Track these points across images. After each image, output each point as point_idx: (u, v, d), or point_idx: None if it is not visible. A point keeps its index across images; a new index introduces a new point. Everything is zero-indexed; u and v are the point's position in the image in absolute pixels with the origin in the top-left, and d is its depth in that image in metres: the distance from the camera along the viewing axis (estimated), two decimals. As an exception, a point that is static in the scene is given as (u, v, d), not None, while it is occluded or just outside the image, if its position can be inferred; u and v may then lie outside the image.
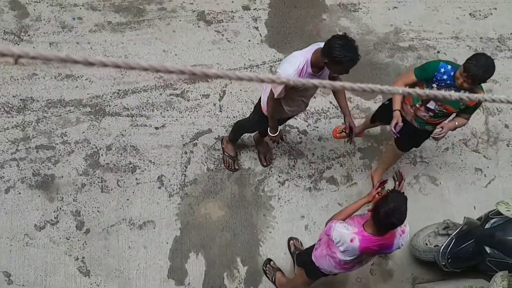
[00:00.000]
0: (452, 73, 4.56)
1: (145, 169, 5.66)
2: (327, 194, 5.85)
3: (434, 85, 4.66)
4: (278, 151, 5.97)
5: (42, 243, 5.26)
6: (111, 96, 5.93)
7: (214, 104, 6.07)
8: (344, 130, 5.82)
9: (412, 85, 4.78)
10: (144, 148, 5.74)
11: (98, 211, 5.43)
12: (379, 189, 4.33)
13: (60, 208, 5.40)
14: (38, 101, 5.80)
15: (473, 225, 5.23)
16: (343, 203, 5.78)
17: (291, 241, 5.52)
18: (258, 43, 6.51)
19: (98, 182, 5.54)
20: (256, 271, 5.44)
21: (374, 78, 6.53)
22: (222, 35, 6.48)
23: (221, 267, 5.42)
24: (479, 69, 4.32)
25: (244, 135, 5.72)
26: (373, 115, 5.68)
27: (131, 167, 5.64)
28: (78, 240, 5.31)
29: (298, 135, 6.08)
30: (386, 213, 3.81)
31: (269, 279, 5.38)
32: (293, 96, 4.65)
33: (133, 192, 5.55)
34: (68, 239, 5.30)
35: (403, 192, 4.01)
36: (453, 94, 1.51)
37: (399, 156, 5.62)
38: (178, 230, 5.48)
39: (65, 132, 5.70)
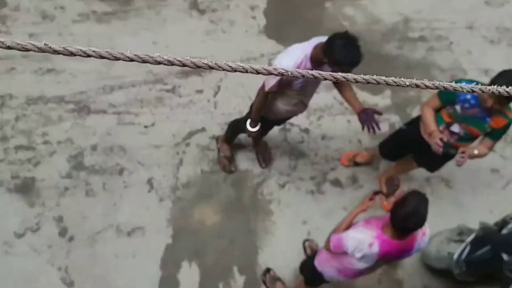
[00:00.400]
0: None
1: (134, 171, 5.66)
2: (331, 198, 5.86)
3: (457, 106, 4.64)
4: (277, 151, 5.97)
5: (22, 251, 5.26)
6: (96, 92, 5.93)
7: (208, 101, 6.07)
8: (354, 158, 5.86)
9: (437, 110, 4.78)
10: (133, 148, 5.74)
11: (82, 216, 5.43)
12: (373, 198, 4.38)
13: (42, 213, 5.39)
14: (17, 97, 5.80)
15: (489, 230, 5.24)
16: (348, 207, 5.78)
17: (307, 243, 5.53)
18: (255, 34, 6.52)
19: (83, 185, 5.54)
20: (254, 281, 5.44)
21: (382, 72, 6.48)
22: (217, 25, 6.49)
23: (216, 277, 5.42)
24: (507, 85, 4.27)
25: (241, 134, 5.73)
26: (384, 149, 5.67)
27: (118, 169, 5.64)
28: (61, 248, 5.31)
29: (299, 133, 6.08)
30: (404, 216, 3.83)
31: None
32: (291, 95, 4.67)
33: (120, 196, 5.55)
34: (50, 247, 5.30)
35: (425, 193, 4.03)
36: (464, 87, 1.51)
37: (413, 169, 5.67)
38: (169, 237, 5.48)
39: (47, 131, 5.70)
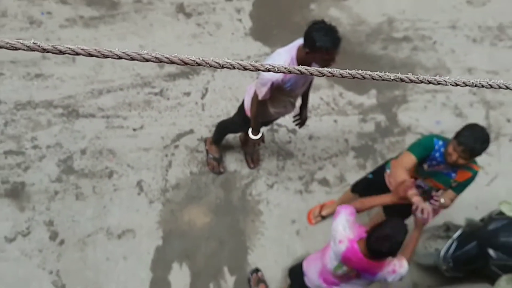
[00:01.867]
0: (442, 149, 4.44)
1: (123, 174, 5.63)
2: (319, 197, 5.85)
3: (425, 165, 4.54)
4: (266, 152, 5.97)
5: (13, 256, 5.22)
6: (84, 96, 5.89)
7: (196, 103, 6.06)
8: (320, 213, 5.77)
9: (412, 168, 4.56)
10: (122, 151, 5.71)
11: (73, 220, 5.39)
12: (411, 187, 4.25)
13: (32, 218, 5.35)
14: (5, 103, 5.76)
15: (475, 226, 5.26)
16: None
17: (254, 275, 5.46)
18: (242, 36, 6.51)
19: (73, 189, 5.50)
20: (244, 281, 5.42)
21: (367, 69, 6.53)
22: (203, 28, 6.47)
23: (207, 277, 5.40)
24: (476, 141, 4.19)
25: (229, 135, 5.71)
26: (356, 188, 5.48)
27: (107, 172, 5.61)
28: (52, 252, 5.27)
29: (287, 134, 6.08)
30: (378, 238, 3.83)
31: None
32: (279, 97, 4.66)
33: (110, 199, 5.52)
34: (41, 251, 5.26)
35: (405, 223, 4.00)
36: (447, 80, 1.50)
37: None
38: (160, 239, 5.45)
39: (36, 136, 5.66)
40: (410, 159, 4.50)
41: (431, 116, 6.33)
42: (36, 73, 5.94)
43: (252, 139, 4.94)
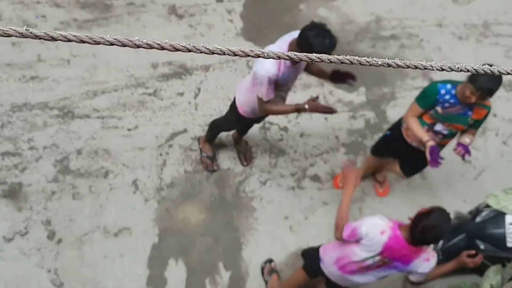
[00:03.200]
0: (453, 91, 4.58)
1: (119, 173, 5.64)
2: (311, 193, 5.88)
3: (438, 108, 4.66)
4: (258, 150, 5.98)
5: (12, 255, 5.21)
6: (79, 98, 5.89)
7: (189, 103, 6.07)
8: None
9: (419, 117, 4.79)
10: (117, 151, 5.72)
11: (70, 219, 5.40)
12: (351, 171, 4.35)
13: (30, 217, 5.35)
14: (2, 105, 5.75)
15: (463, 219, 5.30)
16: (328, 201, 5.82)
17: (267, 264, 5.49)
18: (233, 37, 6.52)
19: (69, 188, 5.50)
20: (239, 276, 5.44)
21: (357, 69, 6.55)
22: (195, 29, 6.48)
23: (203, 273, 5.42)
24: (492, 83, 4.34)
25: (222, 133, 5.73)
26: (375, 149, 5.62)
27: (103, 171, 5.62)
28: (50, 250, 5.27)
29: (278, 131, 6.10)
30: (424, 228, 3.90)
31: (262, 277, 5.39)
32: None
33: (106, 198, 5.53)
34: (39, 250, 5.26)
35: (449, 213, 4.08)
36: (434, 65, 1.52)
37: (393, 171, 5.61)
38: (156, 237, 5.46)
39: (32, 137, 5.65)
40: (416, 110, 4.78)
41: (419, 112, 6.36)
42: (31, 75, 5.93)
43: (307, 107, 4.67)
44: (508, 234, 5.01)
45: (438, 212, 3.98)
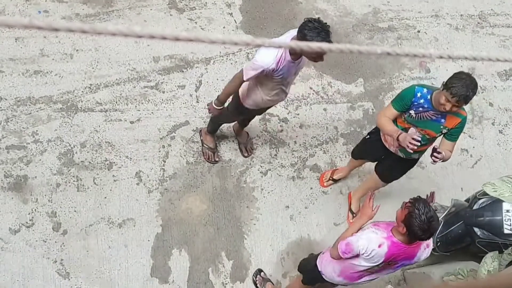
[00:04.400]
0: (428, 96, 4.49)
1: (122, 165, 5.65)
2: (311, 183, 5.89)
3: (412, 111, 4.58)
4: (259, 141, 6.00)
5: (18, 247, 5.24)
6: (82, 91, 5.90)
7: (191, 95, 6.08)
8: (331, 177, 5.84)
9: (394, 119, 4.69)
10: (120, 143, 5.73)
11: (75, 211, 5.42)
12: (373, 205, 4.26)
13: (35, 209, 5.37)
14: (6, 99, 5.76)
15: (461, 207, 5.31)
16: (328, 190, 5.84)
17: (258, 276, 5.45)
18: (233, 30, 6.52)
19: (74, 181, 5.52)
20: (241, 265, 5.47)
21: (354, 61, 6.58)
22: (196, 23, 6.48)
23: (206, 262, 5.44)
24: (468, 89, 4.22)
25: (223, 125, 5.74)
26: (355, 152, 5.60)
27: (107, 164, 5.63)
28: (55, 242, 5.29)
29: (279, 123, 6.11)
30: (421, 226, 3.75)
31: None
32: (272, 85, 4.67)
33: (110, 190, 5.54)
34: (45, 242, 5.28)
35: (421, 198, 3.95)
36: (377, 48, 1.53)
37: (380, 185, 5.53)
38: (159, 227, 5.48)
39: (36, 131, 5.67)
40: (390, 110, 4.68)
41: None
42: (35, 70, 5.93)
43: (213, 107, 4.95)
44: (505, 221, 5.02)
45: (418, 206, 3.79)
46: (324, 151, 6.07)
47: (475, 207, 5.21)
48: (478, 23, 7.11)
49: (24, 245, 5.25)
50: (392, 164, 5.19)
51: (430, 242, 4.19)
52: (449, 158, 4.68)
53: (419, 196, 4.00)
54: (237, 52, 6.35)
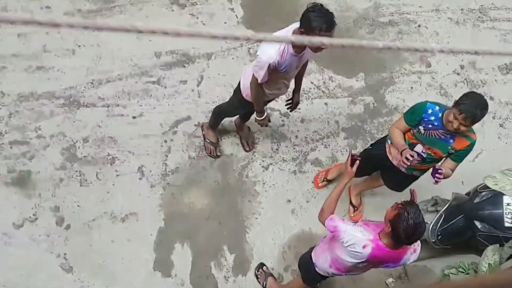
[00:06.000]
0: (440, 115, 4.45)
1: (125, 160, 5.65)
2: (312, 177, 5.89)
3: (421, 127, 4.55)
4: (260, 135, 5.99)
5: (22, 241, 5.24)
6: (85, 87, 5.90)
7: (192, 90, 6.07)
8: (325, 178, 5.81)
9: (404, 132, 4.68)
10: (122, 138, 5.72)
11: (78, 205, 5.42)
12: (351, 161, 4.23)
13: (39, 204, 5.37)
14: (9, 95, 5.75)
15: (462, 200, 5.30)
16: (329, 185, 5.83)
17: (260, 270, 5.45)
18: (234, 25, 6.50)
19: (77, 176, 5.52)
20: (244, 259, 5.47)
21: (356, 56, 6.56)
22: (197, 18, 6.47)
23: (208, 256, 5.44)
24: (476, 108, 4.20)
25: (225, 120, 5.72)
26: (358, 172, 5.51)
27: (109, 158, 5.63)
28: (59, 236, 5.30)
29: (280, 117, 6.10)
30: (406, 229, 3.71)
31: (260, 284, 5.38)
32: (274, 79, 4.65)
33: (113, 185, 5.54)
34: (49, 236, 5.29)
35: (413, 202, 3.94)
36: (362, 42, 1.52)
37: (380, 185, 5.52)
38: (162, 221, 5.48)
39: (39, 126, 5.66)
40: (401, 122, 4.67)
41: (417, 96, 6.35)
42: (37, 66, 5.93)
43: (258, 119, 5.00)
44: (506, 214, 5.01)
45: (408, 210, 3.75)
46: (325, 145, 6.06)
47: (476, 200, 5.20)
48: (479, 17, 7.08)
49: (28, 240, 5.25)
50: (393, 177, 5.18)
51: (418, 247, 4.15)
52: (450, 176, 4.64)
53: (413, 201, 4.00)
54: (238, 47, 6.34)
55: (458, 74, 6.67)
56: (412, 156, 4.43)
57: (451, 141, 4.51)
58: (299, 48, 4.37)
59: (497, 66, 6.84)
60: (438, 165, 4.62)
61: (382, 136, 5.64)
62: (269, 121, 5.17)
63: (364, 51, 6.55)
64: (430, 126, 4.51)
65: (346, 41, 1.44)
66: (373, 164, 5.23)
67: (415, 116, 4.57)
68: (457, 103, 4.27)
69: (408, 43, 1.46)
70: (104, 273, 5.24)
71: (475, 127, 4.49)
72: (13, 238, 5.24)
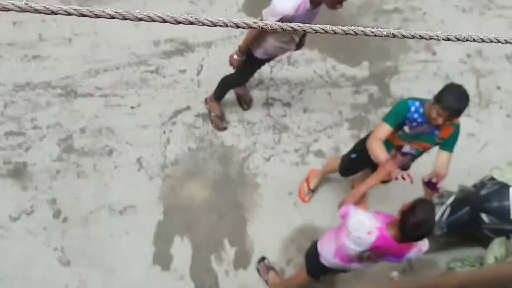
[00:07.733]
0: (421, 110, 4.40)
1: (123, 151, 5.63)
2: (316, 168, 5.86)
3: (406, 127, 4.50)
4: (261, 126, 5.96)
5: (18, 234, 5.23)
6: (82, 76, 5.87)
7: (192, 80, 6.04)
8: (309, 189, 5.71)
9: (387, 138, 4.53)
10: (120, 129, 5.70)
11: (75, 198, 5.41)
12: (393, 162, 4.26)
13: (35, 196, 5.36)
14: (4, 85, 5.73)
15: (468, 192, 5.29)
16: (332, 176, 5.81)
17: (261, 263, 5.44)
18: (235, 12, 6.46)
19: (74, 167, 5.50)
20: (244, 252, 5.46)
21: (359, 43, 6.52)
22: (196, 5, 6.42)
23: (208, 249, 5.44)
24: (460, 102, 4.19)
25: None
26: (345, 172, 5.42)
27: (107, 150, 5.61)
28: (56, 229, 5.29)
29: (282, 107, 6.07)
30: (415, 225, 3.80)
31: (261, 278, 5.38)
32: (285, 33, 4.58)
33: (111, 176, 5.53)
34: (46, 229, 5.28)
35: (431, 202, 4.00)
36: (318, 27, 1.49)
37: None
38: (161, 214, 5.47)
39: (35, 117, 5.64)
40: (385, 129, 4.50)
41: (423, 85, 6.32)
42: (33, 55, 5.90)
43: (235, 58, 4.93)
44: (513, 206, 5.01)
45: (422, 205, 3.87)
46: (328, 136, 6.04)
47: (482, 192, 5.19)
48: (485, 4, 7.03)
49: (24, 232, 5.25)
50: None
51: (424, 247, 4.18)
52: (446, 175, 4.57)
53: (432, 201, 4.06)
54: (239, 35, 6.29)
55: (464, 63, 6.63)
56: (408, 176, 4.27)
57: (436, 132, 4.49)
58: (314, 4, 4.35)
59: (504, 55, 6.80)
60: (426, 176, 4.47)
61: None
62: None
63: (368, 39, 6.50)
64: (414, 124, 4.47)
65: (349, 29, 1.42)
66: (363, 166, 5.24)
67: (400, 117, 4.48)
68: (438, 99, 4.22)
69: (413, 31, 1.45)
70: (102, 266, 5.24)
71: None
72: (9, 231, 5.23)
